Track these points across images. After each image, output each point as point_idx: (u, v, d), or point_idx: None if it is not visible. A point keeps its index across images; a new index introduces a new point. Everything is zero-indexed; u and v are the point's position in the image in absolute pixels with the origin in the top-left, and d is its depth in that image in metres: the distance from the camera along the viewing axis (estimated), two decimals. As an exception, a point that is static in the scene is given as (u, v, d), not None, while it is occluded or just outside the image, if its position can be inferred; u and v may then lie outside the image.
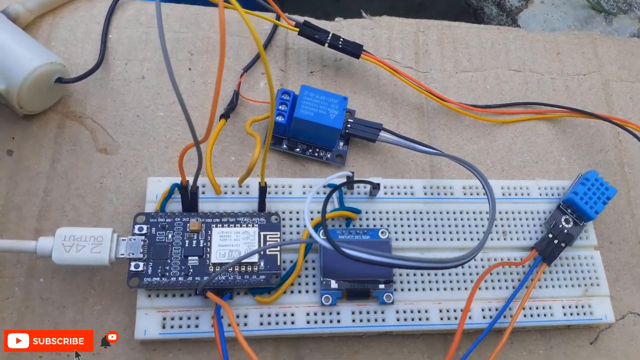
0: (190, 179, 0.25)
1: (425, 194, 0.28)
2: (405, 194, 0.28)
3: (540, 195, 0.29)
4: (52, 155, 0.28)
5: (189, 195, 0.25)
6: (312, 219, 0.26)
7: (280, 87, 0.31)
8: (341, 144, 0.31)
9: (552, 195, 0.30)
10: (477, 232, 0.28)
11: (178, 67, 0.31)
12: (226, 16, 0.33)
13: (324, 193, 0.28)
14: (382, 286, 0.25)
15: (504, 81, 0.34)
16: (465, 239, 0.27)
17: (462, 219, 0.28)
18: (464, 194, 0.29)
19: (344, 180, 0.27)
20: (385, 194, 0.28)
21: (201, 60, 0.31)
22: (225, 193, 0.27)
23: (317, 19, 0.35)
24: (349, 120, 0.30)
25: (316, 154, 0.30)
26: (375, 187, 0.27)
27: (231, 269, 0.24)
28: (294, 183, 0.28)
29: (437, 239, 0.27)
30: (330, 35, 0.32)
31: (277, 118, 0.29)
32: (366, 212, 0.27)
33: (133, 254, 0.24)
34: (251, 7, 0.32)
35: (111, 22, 0.32)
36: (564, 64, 0.35)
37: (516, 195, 0.29)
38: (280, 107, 0.29)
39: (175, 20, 0.32)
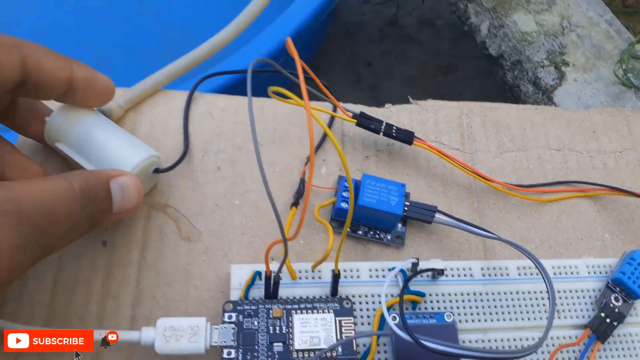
0: (271, 268, 0.28)
1: (483, 275, 0.31)
2: (465, 275, 0.30)
3: (589, 273, 0.32)
4: (142, 245, 0.30)
5: (272, 284, 0.28)
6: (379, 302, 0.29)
7: (340, 174, 0.34)
8: (399, 225, 0.33)
9: (600, 273, 0.32)
10: (533, 312, 0.30)
11: (249, 157, 0.34)
12: (287, 108, 0.36)
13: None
14: (451, 369, 0.27)
15: (545, 160, 0.37)
16: (522, 319, 0.30)
17: (518, 299, 0.30)
18: (519, 275, 0.31)
19: (410, 265, 0.29)
20: (446, 276, 0.30)
21: (269, 150, 0.35)
22: (300, 278, 0.29)
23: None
24: (406, 203, 0.33)
25: (377, 236, 0.33)
26: (440, 272, 0.29)
27: (312, 354, 0.26)
28: (361, 267, 0.30)
29: (497, 320, 0.29)
30: (384, 125, 0.34)
31: (341, 204, 0.32)
32: (429, 295, 0.30)
33: (225, 341, 0.26)
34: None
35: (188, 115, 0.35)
36: (600, 142, 0.38)
37: (566, 274, 0.31)
38: (343, 194, 0.32)
39: (243, 113, 0.36)
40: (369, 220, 0.32)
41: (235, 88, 0.40)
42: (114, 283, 0.29)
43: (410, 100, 0.39)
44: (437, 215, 0.32)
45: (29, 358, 0.27)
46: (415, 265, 0.29)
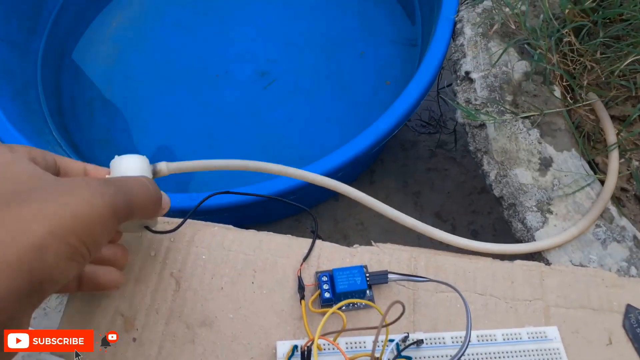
0: None
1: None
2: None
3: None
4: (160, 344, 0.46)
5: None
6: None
7: (316, 269, 0.48)
8: (368, 292, 0.47)
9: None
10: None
11: (244, 280, 0.49)
12: (279, 242, 0.51)
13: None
14: None
15: (470, 302, 0.48)
16: None
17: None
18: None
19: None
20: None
21: (261, 276, 0.49)
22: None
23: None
24: (367, 275, 0.47)
25: (355, 306, 0.47)
26: (420, 342, 0.43)
27: None
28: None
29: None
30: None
31: (325, 295, 0.46)
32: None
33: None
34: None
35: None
36: (516, 291, 0.48)
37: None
38: (324, 287, 0.46)
39: (246, 245, 0.51)
40: (346, 297, 0.46)
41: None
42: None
43: (372, 243, 0.52)
44: (390, 275, 0.47)
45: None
46: (406, 337, 0.43)
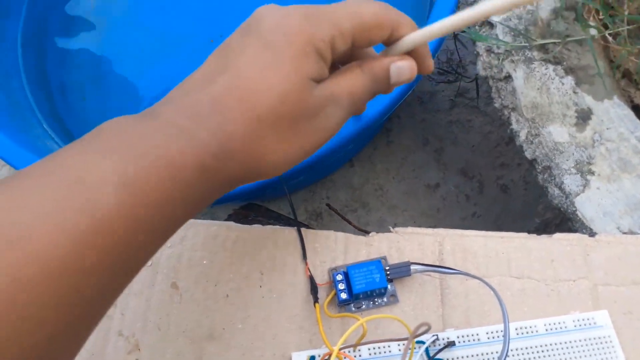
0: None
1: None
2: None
3: None
4: None
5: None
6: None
7: (329, 266, 0.44)
8: (389, 286, 0.42)
9: None
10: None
11: (251, 285, 0.44)
12: (288, 237, 0.45)
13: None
14: None
15: (505, 288, 0.42)
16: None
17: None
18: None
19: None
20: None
21: (270, 278, 0.44)
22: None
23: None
24: (386, 268, 0.42)
25: (376, 303, 0.42)
26: (452, 344, 0.38)
27: None
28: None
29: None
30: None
31: (341, 296, 0.41)
32: None
33: None
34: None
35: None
36: (557, 270, 0.42)
37: None
38: (340, 287, 0.41)
39: (251, 244, 0.46)
40: (366, 296, 0.41)
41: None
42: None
43: (391, 229, 0.46)
44: (413, 267, 0.42)
45: None
46: (435, 340, 0.39)
